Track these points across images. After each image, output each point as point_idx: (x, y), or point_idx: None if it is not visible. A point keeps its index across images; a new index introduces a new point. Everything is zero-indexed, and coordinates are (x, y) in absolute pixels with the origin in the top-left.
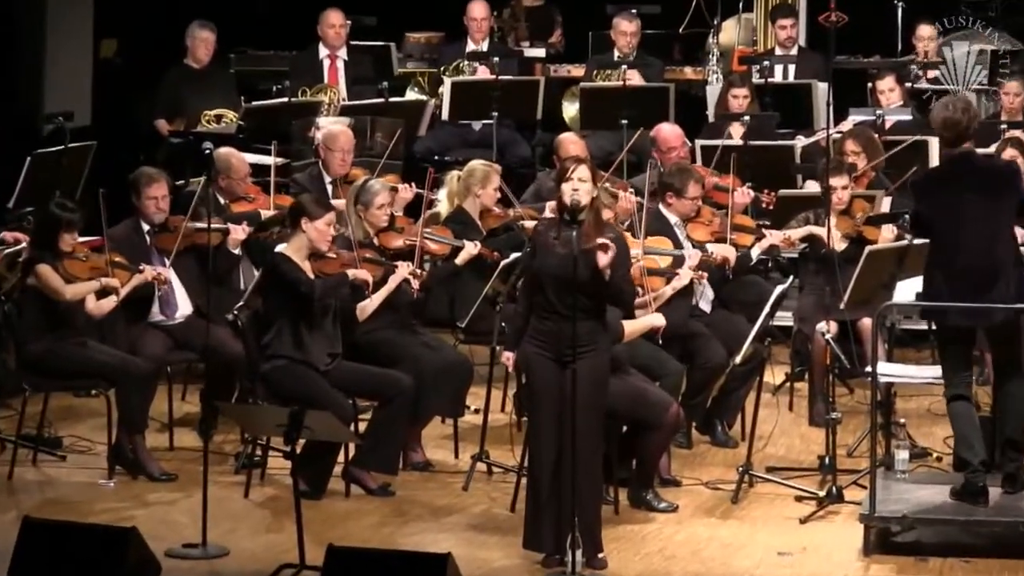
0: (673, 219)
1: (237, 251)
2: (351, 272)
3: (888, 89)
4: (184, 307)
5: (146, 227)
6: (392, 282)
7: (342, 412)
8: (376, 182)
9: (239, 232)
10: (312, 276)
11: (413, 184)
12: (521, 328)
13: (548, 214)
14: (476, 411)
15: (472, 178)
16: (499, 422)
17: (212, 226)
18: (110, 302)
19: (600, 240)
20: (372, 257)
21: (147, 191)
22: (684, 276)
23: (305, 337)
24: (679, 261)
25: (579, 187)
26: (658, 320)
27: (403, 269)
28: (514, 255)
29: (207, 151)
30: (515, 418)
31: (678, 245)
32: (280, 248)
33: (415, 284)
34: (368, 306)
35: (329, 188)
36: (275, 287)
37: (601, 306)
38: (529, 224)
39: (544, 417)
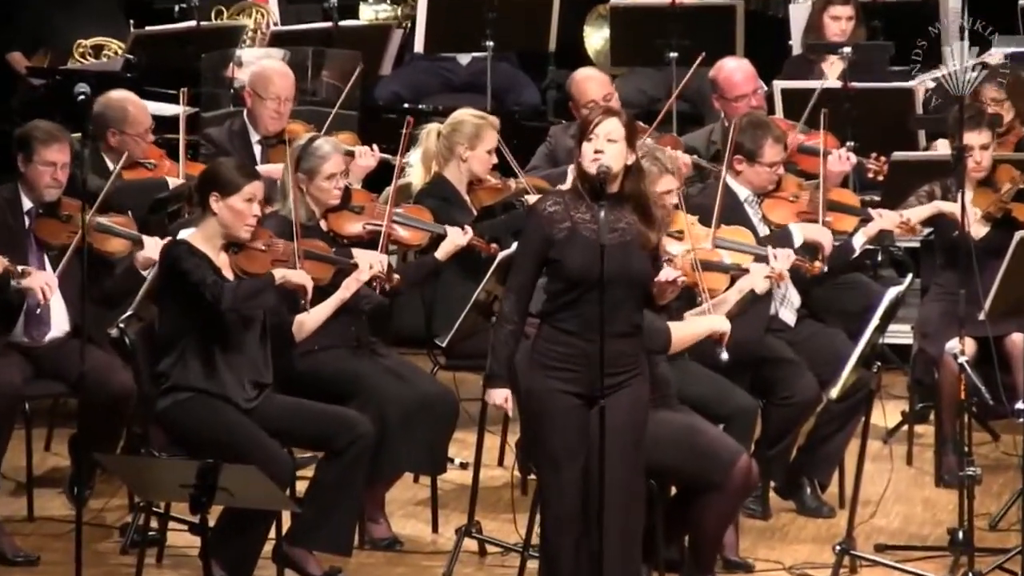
0: (743, 193)
1: (148, 273)
2: (279, 273)
3: None
4: (60, 326)
5: (28, 204)
6: (348, 287)
7: (275, 465)
8: (325, 141)
9: (157, 249)
10: (232, 276)
11: (375, 147)
12: (515, 350)
13: (568, 185)
14: (463, 466)
15: (458, 134)
16: (495, 481)
17: (122, 230)
18: None
19: (667, 277)
20: (318, 252)
21: (43, 153)
22: (756, 274)
23: (218, 363)
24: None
25: (605, 148)
26: (721, 324)
27: (364, 268)
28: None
29: (82, 96)
30: (518, 476)
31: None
32: (184, 234)
33: (386, 283)
34: (309, 320)
35: (257, 149)
36: (175, 291)
37: (640, 314)
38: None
39: (563, 475)
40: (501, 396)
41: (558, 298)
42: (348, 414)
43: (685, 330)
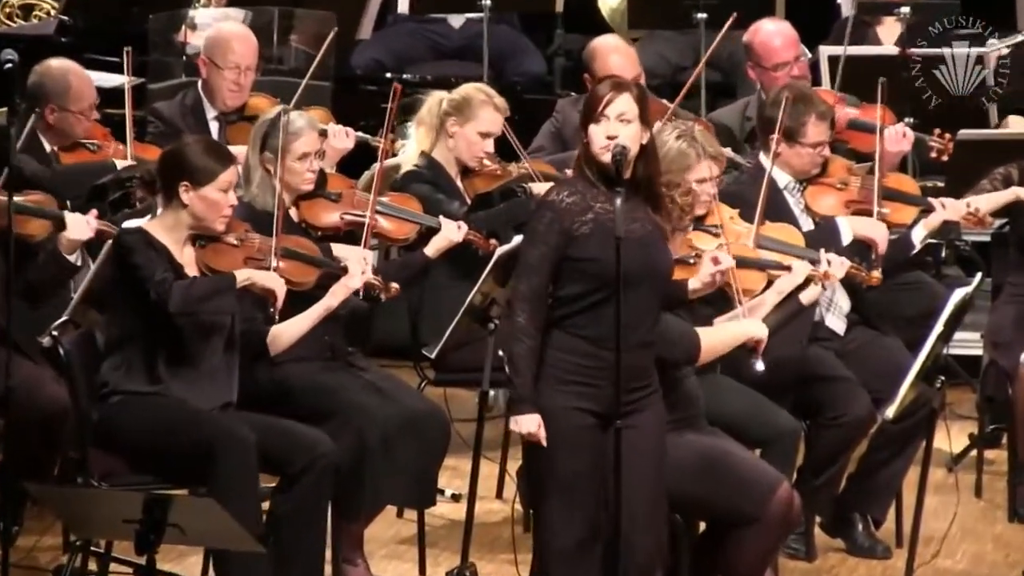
0: (783, 180)
1: (75, 258)
2: (243, 274)
3: None
4: None
5: None
6: (335, 294)
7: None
8: (298, 115)
9: (82, 228)
10: (197, 273)
11: (349, 131)
12: (535, 368)
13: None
14: (455, 498)
15: (452, 105)
16: (492, 515)
17: (38, 208)
18: None
19: (724, 266)
20: (301, 251)
21: None
22: (798, 273)
23: (172, 372)
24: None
25: (619, 132)
26: (757, 329)
27: (356, 274)
28: (518, 239)
29: (9, 64)
30: (519, 510)
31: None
32: (138, 222)
33: (382, 293)
34: (285, 333)
35: (214, 127)
36: (125, 286)
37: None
38: (541, 188)
39: (574, 510)
40: (534, 422)
41: (576, 302)
42: (306, 432)
43: (715, 337)
